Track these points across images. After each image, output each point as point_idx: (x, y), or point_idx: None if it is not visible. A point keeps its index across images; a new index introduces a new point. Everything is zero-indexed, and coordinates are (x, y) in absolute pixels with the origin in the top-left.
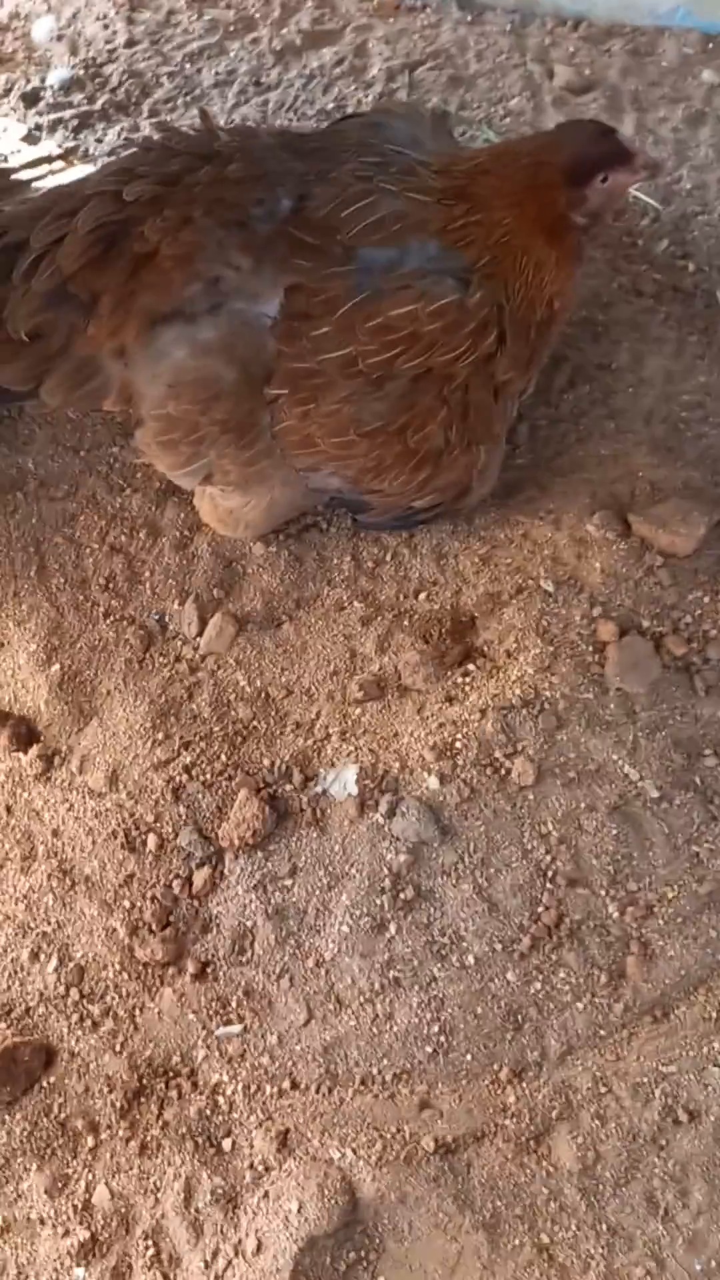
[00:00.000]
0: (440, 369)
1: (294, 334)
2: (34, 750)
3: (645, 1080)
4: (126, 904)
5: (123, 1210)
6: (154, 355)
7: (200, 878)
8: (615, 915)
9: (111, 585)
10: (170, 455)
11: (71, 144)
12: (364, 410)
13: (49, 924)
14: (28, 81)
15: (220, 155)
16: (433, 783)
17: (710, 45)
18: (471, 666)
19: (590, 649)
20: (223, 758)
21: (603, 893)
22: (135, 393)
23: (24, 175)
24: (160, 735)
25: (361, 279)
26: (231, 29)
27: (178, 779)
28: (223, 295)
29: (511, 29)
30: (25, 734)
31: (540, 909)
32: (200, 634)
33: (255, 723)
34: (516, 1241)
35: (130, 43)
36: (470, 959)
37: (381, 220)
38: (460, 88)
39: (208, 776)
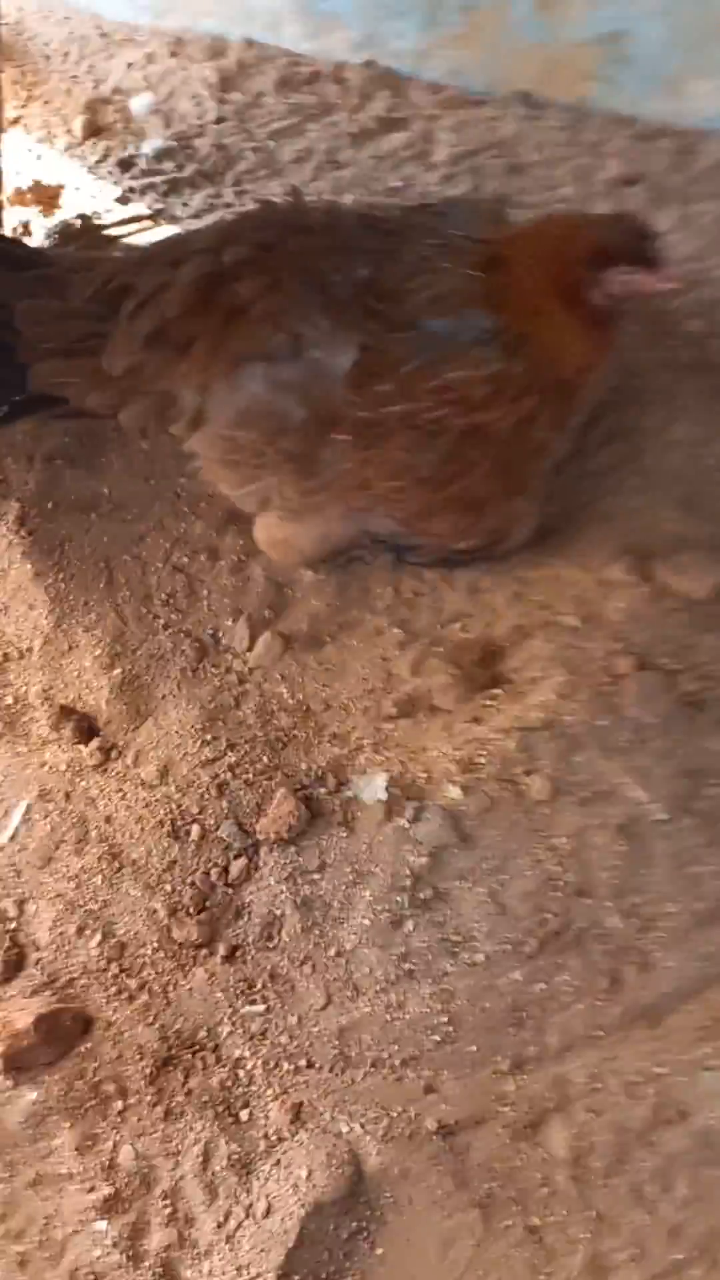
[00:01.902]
0: (485, 428)
1: (361, 386)
2: (94, 743)
3: (638, 1079)
4: (168, 888)
5: (145, 1171)
6: (233, 386)
7: (237, 867)
8: (617, 925)
9: (172, 601)
10: (232, 474)
11: (159, 206)
12: (417, 459)
13: (96, 902)
14: (124, 149)
15: (309, 229)
16: (455, 793)
17: None
18: (498, 691)
19: (608, 680)
20: (264, 760)
21: (607, 904)
22: (208, 416)
23: (115, 232)
24: (209, 736)
25: (422, 344)
26: (312, 112)
27: (223, 776)
28: (303, 346)
29: (568, 125)
30: (87, 729)
31: (548, 915)
32: (250, 649)
33: (295, 731)
34: (509, 1222)
35: (219, 119)
36: (480, 957)
37: (440, 295)
38: (517, 175)
39: (250, 775)
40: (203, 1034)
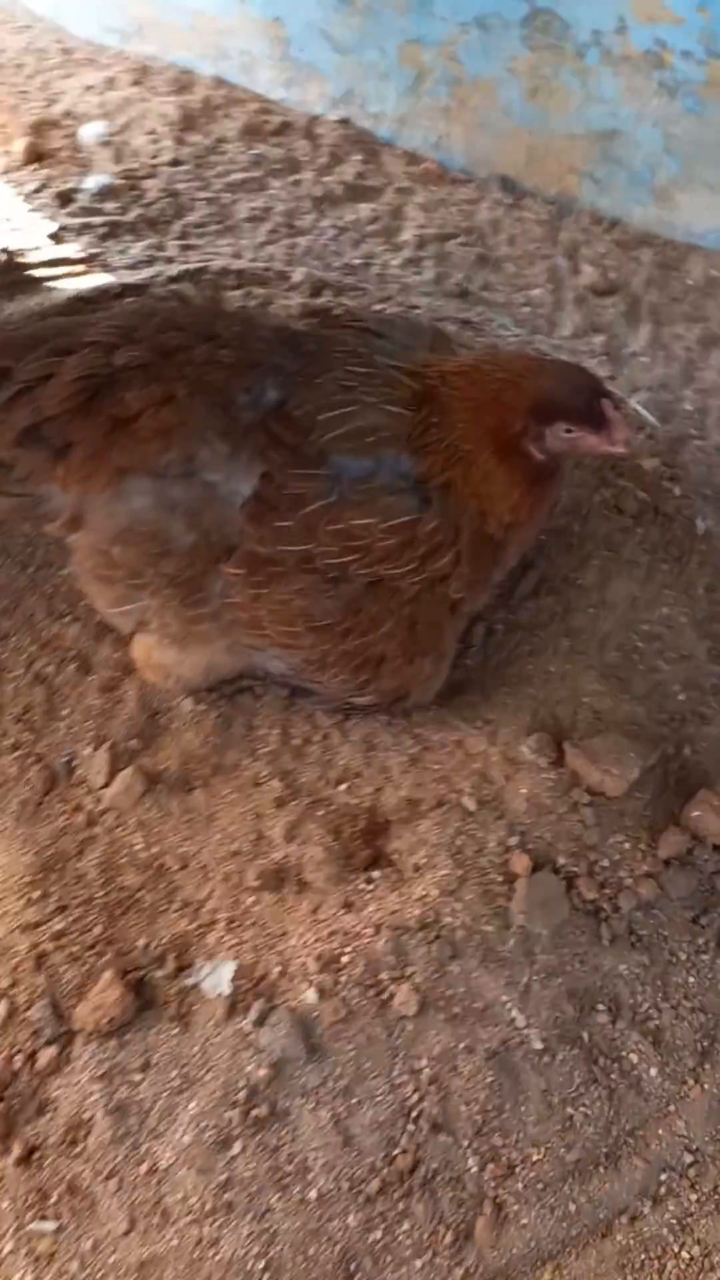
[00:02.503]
0: (391, 582)
1: (259, 519)
2: None
3: None
4: None
5: None
6: (115, 496)
7: (45, 1056)
8: (474, 1170)
9: (26, 717)
10: (106, 591)
11: (95, 250)
12: (315, 606)
13: None
14: (66, 180)
15: (219, 338)
16: (310, 995)
17: None
18: (377, 874)
19: (500, 879)
20: (97, 930)
21: (465, 1143)
22: (86, 523)
23: (40, 273)
24: (37, 894)
25: (330, 484)
26: (276, 167)
27: (44, 946)
28: (196, 468)
29: (548, 219)
30: None
31: (397, 1151)
32: (107, 785)
33: (142, 894)
34: None
35: (175, 162)
36: (313, 1194)
37: (358, 430)
38: (486, 268)
39: (76, 949)
40: None
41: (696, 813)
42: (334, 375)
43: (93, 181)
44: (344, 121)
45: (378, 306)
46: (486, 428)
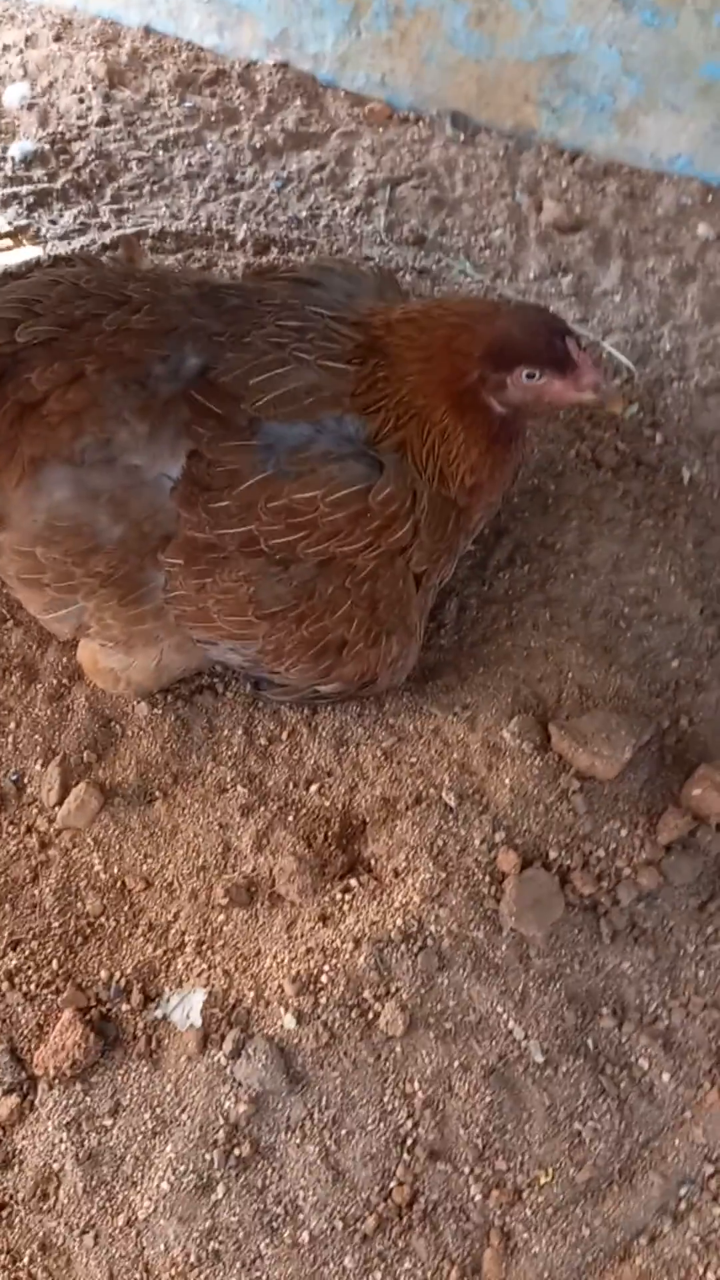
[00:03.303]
0: (344, 559)
1: (192, 502)
2: None
3: None
4: None
5: None
6: (33, 488)
7: (6, 1106)
8: (477, 1198)
9: None
10: (36, 596)
11: (23, 222)
12: (264, 591)
13: None
14: None
15: (129, 302)
16: (289, 1021)
17: (710, 197)
18: (354, 882)
19: (487, 879)
20: (54, 964)
21: (466, 1170)
22: (6, 520)
23: None
24: None
25: (265, 455)
26: (212, 119)
27: None
28: (116, 452)
29: (505, 154)
30: None
31: (393, 1183)
32: (60, 803)
33: (103, 919)
34: None
35: (104, 121)
36: (305, 1236)
37: (292, 393)
38: (442, 211)
39: (32, 986)
40: None
41: (697, 791)
42: (263, 332)
43: (17, 149)
44: (282, 65)
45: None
46: (440, 379)
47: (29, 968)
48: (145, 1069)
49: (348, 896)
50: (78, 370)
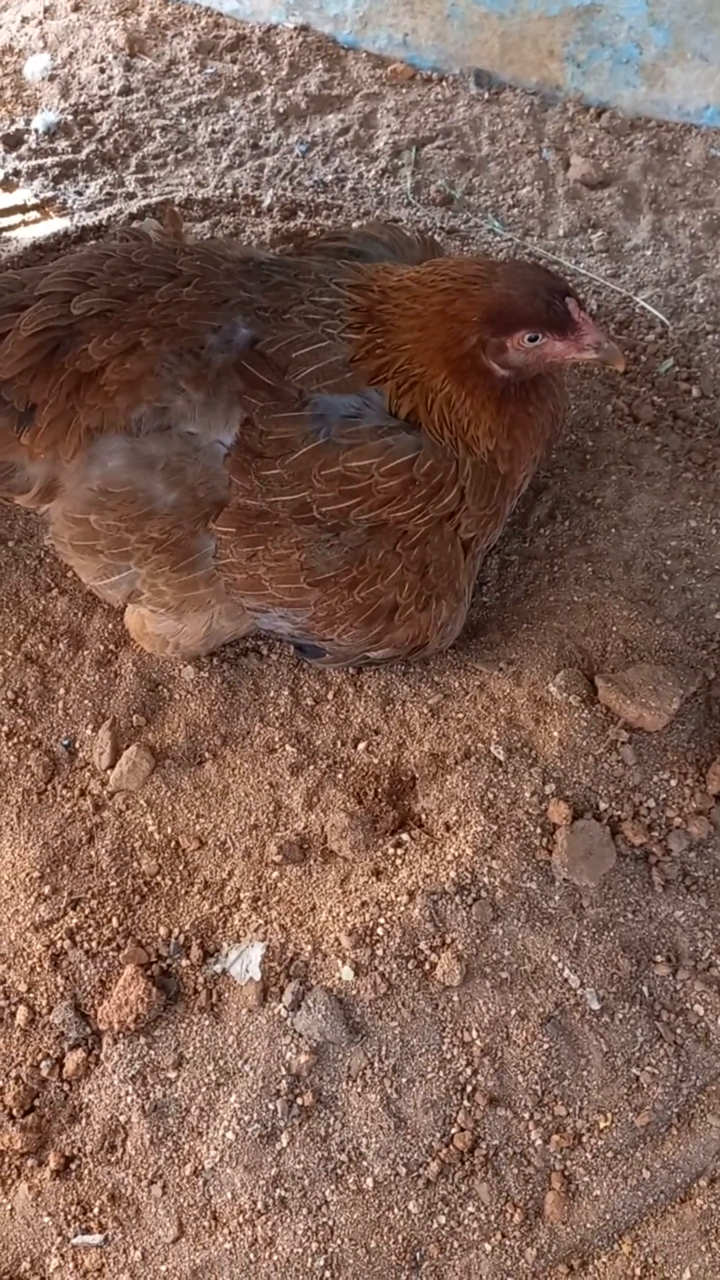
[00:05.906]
0: (395, 524)
1: (245, 469)
2: None
3: None
4: None
5: None
6: (88, 458)
7: (73, 1061)
8: (538, 1143)
9: (20, 701)
10: (90, 562)
11: (50, 194)
12: (316, 558)
13: None
14: (11, 122)
15: (180, 275)
16: (346, 973)
17: None
18: (406, 837)
19: (539, 831)
20: (114, 921)
21: (526, 1116)
22: (60, 492)
23: None
24: (47, 889)
25: (317, 425)
26: (234, 85)
27: (59, 944)
28: (171, 420)
29: (530, 111)
30: None
31: (454, 1130)
32: (112, 766)
33: (159, 878)
34: None
35: (126, 90)
36: (369, 1182)
37: (331, 367)
38: (469, 170)
39: (94, 944)
40: (25, 1267)
41: None
42: (300, 309)
43: (41, 120)
44: (302, 29)
45: (356, 224)
46: (436, 346)
47: (89, 925)
48: (207, 1022)
49: (400, 851)
50: (134, 341)
